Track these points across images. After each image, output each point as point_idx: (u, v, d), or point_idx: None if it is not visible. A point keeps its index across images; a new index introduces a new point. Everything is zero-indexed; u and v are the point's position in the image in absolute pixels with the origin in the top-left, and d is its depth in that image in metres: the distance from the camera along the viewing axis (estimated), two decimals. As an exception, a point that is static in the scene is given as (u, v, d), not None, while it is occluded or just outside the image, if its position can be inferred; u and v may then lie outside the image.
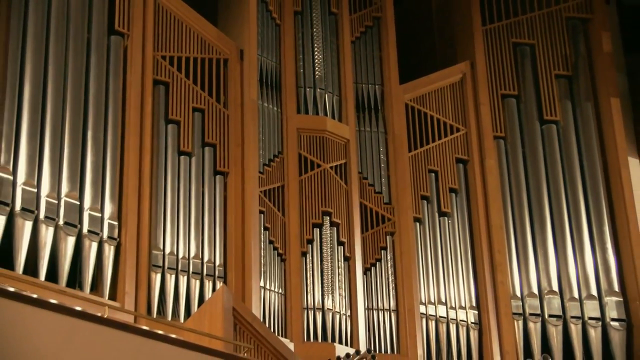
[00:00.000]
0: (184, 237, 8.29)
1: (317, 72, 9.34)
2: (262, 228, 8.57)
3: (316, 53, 9.42)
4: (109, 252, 7.79)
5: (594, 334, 9.17)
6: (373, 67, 9.72)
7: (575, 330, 9.18)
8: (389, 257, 9.06)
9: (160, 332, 5.60)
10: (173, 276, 8.09)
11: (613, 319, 9.22)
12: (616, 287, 9.34)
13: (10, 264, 7.24)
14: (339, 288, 8.64)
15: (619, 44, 10.65)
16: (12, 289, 5.09)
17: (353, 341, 8.51)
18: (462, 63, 10.06)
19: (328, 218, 8.88)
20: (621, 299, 9.31)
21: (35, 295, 5.17)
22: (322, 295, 8.56)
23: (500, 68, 10.07)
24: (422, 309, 8.95)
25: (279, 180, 8.87)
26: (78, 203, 7.74)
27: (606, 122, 9.97)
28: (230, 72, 9.06)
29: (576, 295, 9.31)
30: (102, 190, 7.93)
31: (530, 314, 9.20)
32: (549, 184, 9.72)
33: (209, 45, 9.03)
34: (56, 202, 7.60)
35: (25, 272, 7.29)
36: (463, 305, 9.15)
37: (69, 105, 7.95)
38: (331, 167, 9.07)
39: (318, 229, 8.82)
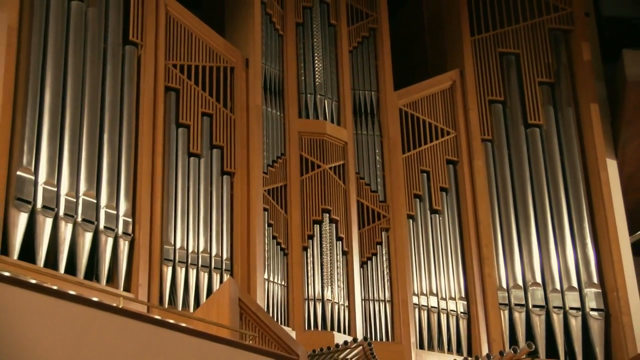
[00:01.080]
0: (194, 232, 8.30)
1: (317, 80, 9.34)
2: (266, 224, 8.57)
3: (316, 62, 9.42)
4: (124, 246, 7.80)
5: (575, 323, 9.17)
6: (369, 75, 9.72)
7: (557, 319, 9.18)
8: (384, 252, 9.06)
9: (171, 321, 5.61)
10: (183, 269, 8.10)
11: (592, 309, 9.22)
12: (595, 279, 9.35)
13: (32, 258, 7.25)
14: (337, 280, 8.65)
15: (597, 54, 10.65)
16: (34, 281, 5.11)
17: (351, 330, 8.51)
18: (452, 71, 10.06)
19: (327, 215, 8.88)
20: (600, 290, 9.31)
21: (55, 287, 5.18)
22: (322, 286, 8.56)
23: (488, 75, 10.07)
24: (415, 299, 8.95)
25: (282, 180, 8.88)
26: (95, 201, 7.74)
27: (586, 126, 9.97)
28: (237, 80, 9.07)
29: (558, 286, 9.31)
30: (118, 189, 7.94)
31: (516, 305, 9.21)
32: (533, 183, 9.72)
33: (217, 54, 9.03)
34: (75, 200, 7.61)
35: (46, 265, 7.29)
36: (453, 296, 9.15)
37: (87, 110, 7.95)
38: (330, 168, 9.07)
39: (318, 225, 8.82)
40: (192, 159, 8.59)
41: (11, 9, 7.74)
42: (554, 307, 9.21)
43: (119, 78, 8.29)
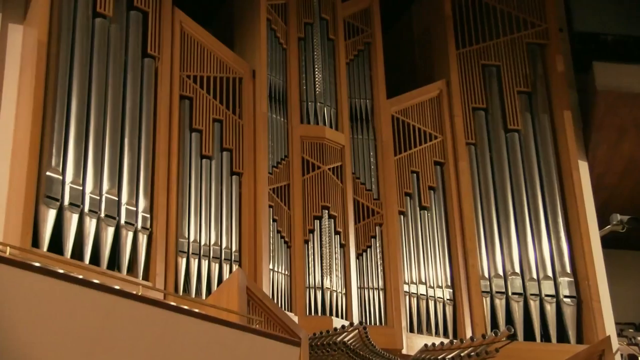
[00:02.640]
0: (206, 227, 8.30)
1: (317, 89, 9.34)
2: (271, 220, 8.57)
3: (316, 73, 9.42)
4: (143, 240, 7.81)
5: (550, 309, 9.17)
6: (364, 85, 9.71)
7: (534, 305, 9.18)
8: (378, 245, 9.06)
9: (185, 307, 5.61)
10: (196, 260, 8.11)
11: (565, 296, 9.22)
12: (568, 269, 9.35)
13: (60, 250, 7.26)
14: (335, 270, 8.65)
15: (570, 66, 10.65)
16: (61, 271, 5.12)
17: (347, 315, 8.51)
18: (439, 81, 10.05)
19: (326, 212, 8.88)
20: (572, 279, 9.31)
21: (81, 276, 5.19)
22: (322, 276, 8.56)
23: (471, 85, 10.07)
24: (406, 287, 8.95)
25: (285, 180, 8.88)
26: (116, 199, 7.75)
27: (560, 131, 9.97)
28: (244, 89, 9.07)
29: (535, 276, 9.31)
30: (137, 188, 7.95)
31: (496, 292, 9.20)
32: (512, 183, 9.72)
33: (227, 66, 9.04)
34: (98, 198, 7.62)
35: (72, 256, 7.31)
36: (440, 284, 9.15)
37: (109, 116, 7.97)
38: (329, 169, 9.08)
39: (318, 221, 8.82)
40: (204, 160, 8.60)
41: (41, 25, 7.76)
42: (531, 295, 9.21)
43: (138, 87, 8.30)
